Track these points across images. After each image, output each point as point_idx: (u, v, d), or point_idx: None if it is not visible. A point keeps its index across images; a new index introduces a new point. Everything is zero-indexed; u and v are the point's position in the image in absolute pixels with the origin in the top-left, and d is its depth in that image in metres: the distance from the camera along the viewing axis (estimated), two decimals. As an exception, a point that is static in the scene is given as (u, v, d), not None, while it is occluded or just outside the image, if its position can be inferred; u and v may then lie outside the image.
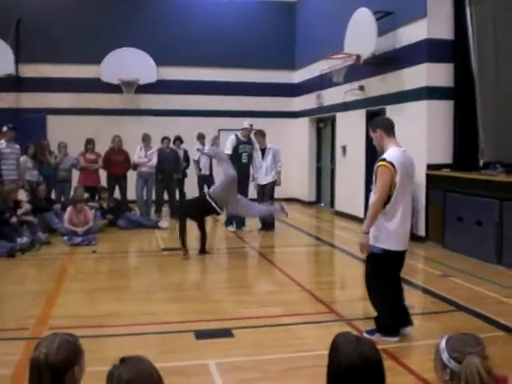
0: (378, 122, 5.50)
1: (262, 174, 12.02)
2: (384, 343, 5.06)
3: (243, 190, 11.90)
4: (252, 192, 12.37)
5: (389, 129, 5.33)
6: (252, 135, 12.27)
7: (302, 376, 4.54)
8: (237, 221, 12.05)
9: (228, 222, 12.21)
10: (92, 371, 4.18)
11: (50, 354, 2.28)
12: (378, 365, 2.26)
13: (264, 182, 12.00)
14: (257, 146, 12.13)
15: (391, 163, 5.05)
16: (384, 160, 5.12)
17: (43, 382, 2.26)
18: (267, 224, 11.98)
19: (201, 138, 14.43)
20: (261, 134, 12.13)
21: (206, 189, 14.51)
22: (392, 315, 5.36)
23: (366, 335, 5.27)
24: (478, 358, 2.26)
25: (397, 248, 5.25)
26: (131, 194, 13.15)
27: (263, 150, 12.05)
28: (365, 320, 5.80)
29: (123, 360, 2.19)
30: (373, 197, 5.22)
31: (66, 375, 2.31)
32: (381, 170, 5.11)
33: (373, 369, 2.23)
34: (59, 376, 2.29)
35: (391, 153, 5.18)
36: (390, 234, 5.18)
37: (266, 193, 11.97)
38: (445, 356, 2.33)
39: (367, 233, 5.21)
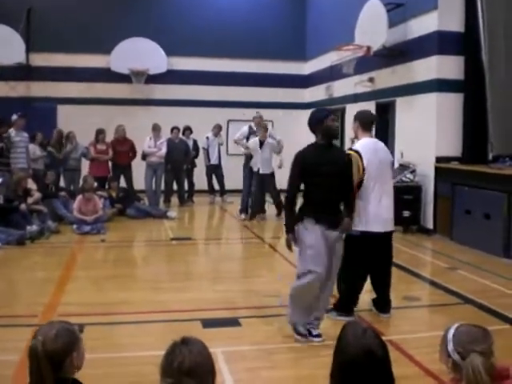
0: (358, 115, 5.90)
1: (260, 164, 11.85)
2: (387, 334, 5.10)
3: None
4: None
5: (365, 124, 5.79)
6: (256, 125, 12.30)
7: (308, 365, 4.58)
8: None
9: (242, 210, 12.27)
10: (101, 357, 4.28)
11: (47, 342, 2.32)
12: (381, 358, 2.24)
13: (263, 172, 11.86)
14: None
15: (356, 151, 5.54)
16: (350, 149, 5.68)
17: (42, 369, 2.29)
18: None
19: (216, 128, 14.49)
20: (264, 127, 12.05)
21: (214, 178, 14.65)
22: (350, 296, 5.75)
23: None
24: (481, 357, 2.28)
25: (374, 229, 5.58)
26: (140, 183, 13.19)
27: (261, 142, 11.85)
28: (371, 311, 5.85)
29: (184, 342, 2.16)
30: None
31: (64, 362, 2.36)
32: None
33: (376, 362, 2.22)
34: (58, 363, 2.34)
35: (360, 142, 5.72)
36: (367, 216, 5.56)
37: (266, 183, 11.94)
38: (450, 347, 2.37)
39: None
